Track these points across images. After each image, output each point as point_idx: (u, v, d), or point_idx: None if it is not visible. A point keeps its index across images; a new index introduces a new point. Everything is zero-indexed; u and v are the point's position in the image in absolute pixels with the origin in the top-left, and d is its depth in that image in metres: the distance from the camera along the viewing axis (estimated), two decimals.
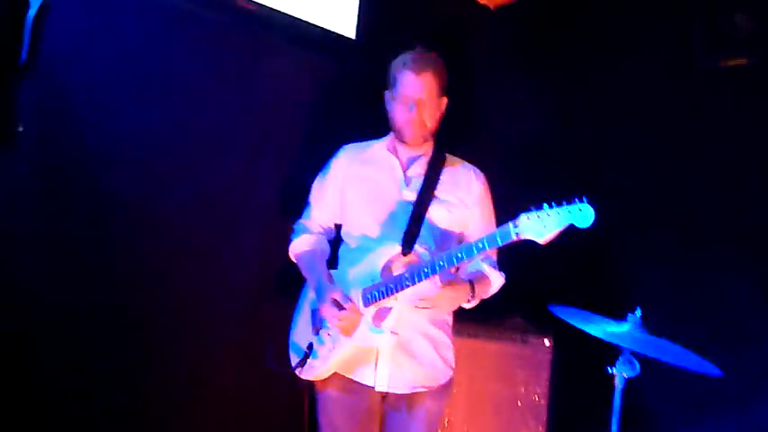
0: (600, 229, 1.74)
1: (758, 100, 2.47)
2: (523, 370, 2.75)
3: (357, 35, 2.84)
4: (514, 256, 2.18)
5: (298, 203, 2.43)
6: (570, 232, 1.77)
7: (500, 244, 1.86)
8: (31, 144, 1.74)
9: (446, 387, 2.19)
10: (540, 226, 1.76)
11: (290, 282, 2.34)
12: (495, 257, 2.20)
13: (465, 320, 2.43)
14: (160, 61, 2.33)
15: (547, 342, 2.74)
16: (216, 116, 2.47)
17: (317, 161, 2.47)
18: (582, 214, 1.72)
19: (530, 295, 2.76)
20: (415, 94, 2.10)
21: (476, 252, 1.89)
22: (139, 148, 2.27)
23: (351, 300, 2.06)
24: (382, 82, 2.73)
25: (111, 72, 2.19)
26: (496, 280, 2.16)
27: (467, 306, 2.15)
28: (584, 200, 1.72)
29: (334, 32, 2.78)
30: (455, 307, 2.14)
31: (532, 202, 1.81)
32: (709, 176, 2.56)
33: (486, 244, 1.87)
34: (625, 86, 2.87)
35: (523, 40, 3.33)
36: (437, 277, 1.98)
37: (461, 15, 3.33)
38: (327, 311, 2.06)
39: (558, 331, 2.71)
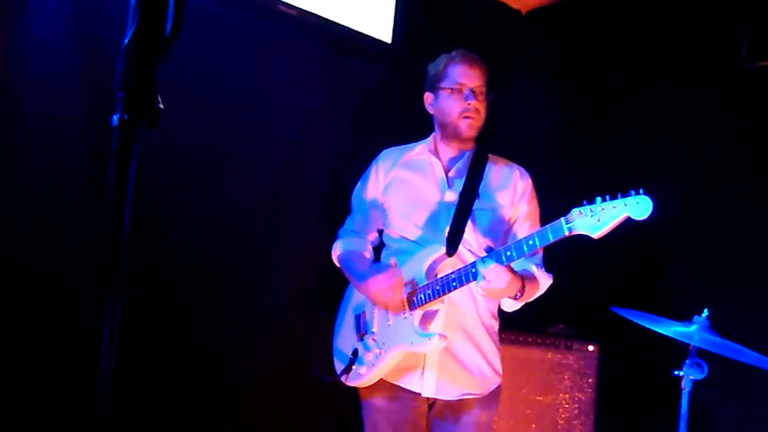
0: (644, 232, 1.70)
1: None
2: (568, 377, 2.70)
3: (393, 39, 2.84)
4: (555, 262, 2.14)
5: (338, 209, 2.41)
6: (614, 236, 1.73)
7: (551, 240, 1.80)
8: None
9: (495, 395, 2.12)
10: (594, 220, 1.71)
11: (333, 289, 2.30)
12: (541, 257, 2.12)
13: (507, 327, 2.39)
14: (202, 61, 2.31)
15: (591, 348, 2.69)
16: (258, 121, 2.46)
17: (358, 165, 2.45)
18: (639, 206, 1.66)
19: (573, 302, 2.73)
20: (471, 82, 2.08)
21: (526, 250, 1.84)
22: (187, 155, 2.25)
23: (389, 264, 2.01)
24: (419, 85, 2.72)
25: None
26: (544, 281, 2.10)
27: (510, 307, 2.10)
28: (641, 191, 1.68)
29: (370, 36, 2.77)
30: (504, 295, 2.02)
31: (570, 204, 1.77)
32: (763, 176, 2.52)
33: (537, 241, 1.82)
34: (666, 88, 2.84)
35: (555, 44, 3.32)
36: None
37: (493, 19, 3.32)
38: (371, 283, 2.00)
39: (604, 338, 2.67)
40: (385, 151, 2.28)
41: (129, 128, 0.58)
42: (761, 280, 2.46)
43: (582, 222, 1.73)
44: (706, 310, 1.82)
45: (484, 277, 1.85)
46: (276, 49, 2.53)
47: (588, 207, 1.73)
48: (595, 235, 1.72)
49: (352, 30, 2.71)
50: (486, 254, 1.96)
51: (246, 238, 2.42)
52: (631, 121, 2.96)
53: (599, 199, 1.73)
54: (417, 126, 2.79)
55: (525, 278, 2.02)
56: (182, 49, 2.28)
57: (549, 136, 3.12)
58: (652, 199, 1.65)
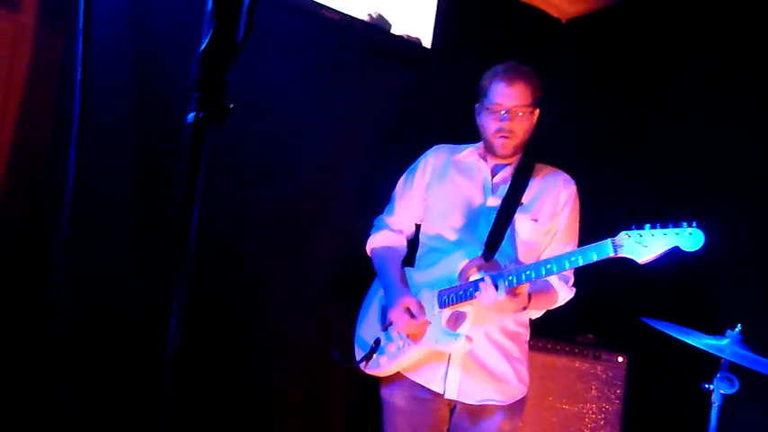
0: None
1: None
2: (595, 387, 2.70)
3: (433, 45, 2.88)
4: (585, 270, 2.14)
5: (369, 210, 2.46)
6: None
7: (595, 260, 1.79)
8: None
9: (520, 404, 2.10)
10: (641, 246, 1.71)
11: (361, 279, 2.33)
12: (570, 271, 2.07)
13: (536, 334, 2.38)
14: (248, 63, 2.38)
15: (620, 359, 2.68)
16: (300, 123, 2.53)
17: (393, 168, 2.49)
18: (691, 238, 1.66)
19: (603, 312, 2.73)
20: (507, 102, 2.05)
21: (567, 266, 1.83)
22: (229, 154, 2.32)
23: (422, 308, 2.03)
24: (458, 90, 2.76)
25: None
26: (564, 294, 2.07)
27: (533, 315, 2.12)
28: (694, 223, 1.67)
29: (411, 41, 2.82)
30: (506, 311, 2.02)
31: (626, 218, 1.76)
32: None
33: (580, 259, 1.80)
34: (707, 104, 2.82)
35: (595, 53, 3.32)
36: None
37: (532, 27, 3.34)
38: (398, 317, 2.03)
39: (633, 349, 2.66)
40: (435, 147, 2.27)
41: (202, 126, 0.64)
42: None
43: (629, 246, 1.72)
44: (739, 325, 1.82)
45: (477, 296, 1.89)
46: (318, 52, 2.59)
47: (637, 232, 1.73)
48: (641, 260, 1.72)
49: (394, 35, 2.77)
50: (522, 262, 1.97)
51: (283, 235, 2.49)
52: (670, 134, 2.95)
53: (648, 225, 1.72)
54: (454, 130, 2.83)
55: (537, 291, 2.00)
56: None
57: (583, 146, 3.12)
58: (705, 233, 1.65)
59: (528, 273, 1.86)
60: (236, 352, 2.38)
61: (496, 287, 1.85)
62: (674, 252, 1.68)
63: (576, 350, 2.73)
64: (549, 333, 2.67)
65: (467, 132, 2.72)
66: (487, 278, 1.87)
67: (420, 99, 2.89)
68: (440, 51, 2.88)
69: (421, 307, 2.03)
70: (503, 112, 2.05)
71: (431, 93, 2.91)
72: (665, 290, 2.67)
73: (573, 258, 1.82)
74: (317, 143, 2.60)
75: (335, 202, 2.66)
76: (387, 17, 2.74)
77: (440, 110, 2.92)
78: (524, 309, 1.98)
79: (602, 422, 2.67)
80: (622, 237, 1.75)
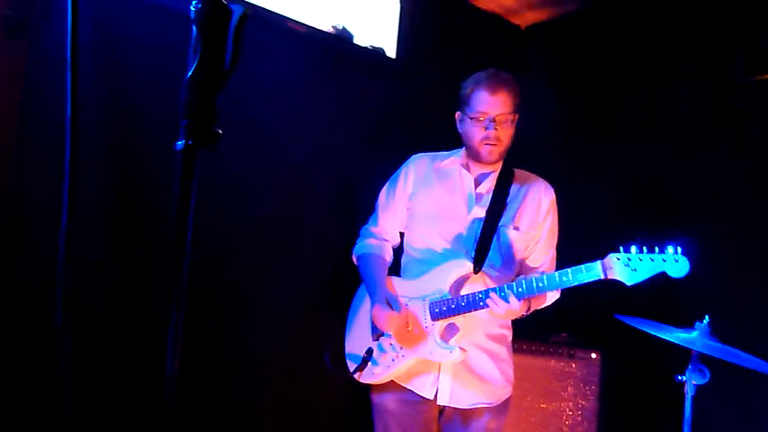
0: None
1: None
2: (571, 385, 2.75)
3: (398, 54, 2.91)
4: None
5: (344, 217, 2.46)
6: None
7: (585, 282, 1.86)
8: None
9: (506, 404, 2.17)
10: (630, 270, 1.79)
11: (345, 287, 2.36)
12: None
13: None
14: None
15: (594, 356, 2.74)
16: (271, 134, 2.53)
17: (366, 174, 2.53)
18: (677, 265, 1.75)
19: (576, 311, 2.78)
20: (492, 111, 2.07)
21: (557, 287, 1.90)
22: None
23: (402, 305, 2.07)
24: (424, 98, 2.80)
25: None
26: (552, 294, 2.14)
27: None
28: (680, 251, 1.76)
29: (376, 51, 2.85)
30: (508, 318, 2.13)
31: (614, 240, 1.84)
32: (758, 188, 2.59)
33: (571, 278, 1.87)
34: (664, 103, 2.92)
35: (554, 59, 3.40)
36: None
37: (495, 34, 3.40)
38: (378, 312, 2.06)
39: (606, 346, 2.73)
40: (415, 156, 2.29)
41: (192, 152, 0.64)
42: (759, 286, 2.52)
43: (618, 269, 1.80)
44: (707, 317, 1.89)
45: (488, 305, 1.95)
46: (285, 65, 2.59)
47: (625, 255, 1.81)
48: (629, 283, 1.80)
49: (359, 45, 2.79)
50: (515, 276, 2.04)
51: (261, 242, 2.50)
52: (630, 134, 3.04)
53: (635, 248, 1.80)
54: (422, 136, 2.87)
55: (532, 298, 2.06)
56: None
57: (547, 150, 3.19)
58: (689, 261, 1.75)
59: (520, 289, 1.93)
60: (223, 362, 2.37)
61: (505, 298, 1.92)
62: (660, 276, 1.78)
63: (551, 350, 2.78)
64: (523, 334, 2.71)
65: (435, 138, 2.76)
66: (500, 290, 1.95)
67: (387, 107, 2.92)
68: (404, 60, 2.92)
69: (399, 304, 2.07)
70: (487, 121, 2.07)
71: (398, 101, 2.95)
72: (634, 287, 2.75)
73: (564, 278, 1.89)
74: (287, 155, 2.59)
75: (306, 214, 2.66)
76: (351, 28, 2.77)
77: (407, 117, 2.95)
78: (528, 311, 2.06)
79: (579, 419, 2.72)
80: (612, 259, 1.82)
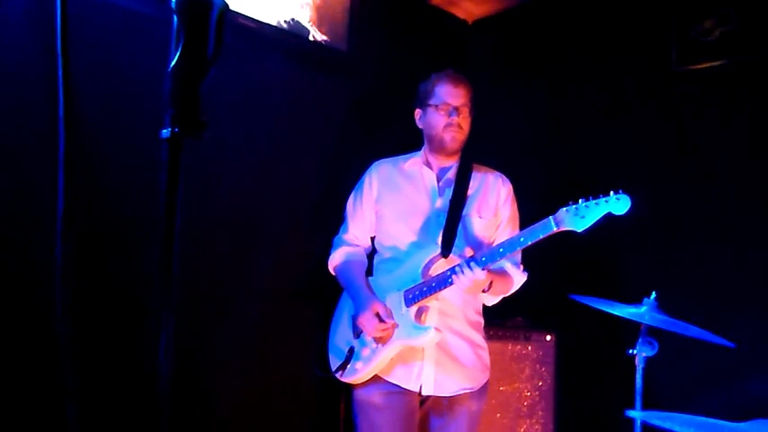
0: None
1: (731, 98, 2.69)
2: (528, 366, 2.85)
3: (349, 49, 2.93)
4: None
5: (306, 216, 2.46)
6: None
7: (541, 237, 1.96)
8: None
9: (485, 387, 2.28)
10: (579, 218, 1.89)
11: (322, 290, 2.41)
12: (519, 257, 2.28)
13: None
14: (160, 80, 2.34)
15: (549, 338, 2.85)
16: (228, 133, 2.50)
17: (328, 172, 2.55)
18: (620, 203, 1.86)
19: (529, 294, 2.88)
20: (455, 101, 2.24)
21: (517, 247, 2.00)
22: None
23: (389, 311, 2.14)
24: (376, 92, 2.83)
25: None
26: (518, 278, 2.25)
27: (489, 302, 2.27)
28: (620, 191, 1.87)
29: (327, 46, 2.86)
30: (473, 291, 2.15)
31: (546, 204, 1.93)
32: (695, 171, 2.75)
33: (527, 238, 1.98)
34: (605, 92, 3.05)
35: (500, 52, 3.50)
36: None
37: (442, 29, 3.47)
38: (367, 322, 2.12)
39: (560, 327, 2.84)
40: (376, 163, 2.40)
41: (178, 141, 0.65)
42: (700, 261, 2.68)
43: (568, 220, 1.91)
44: (654, 293, 2.00)
45: (453, 281, 2.03)
46: (235, 61, 2.57)
47: (573, 206, 1.91)
48: (580, 230, 1.90)
49: (311, 41, 2.79)
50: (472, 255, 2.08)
51: (224, 245, 2.49)
52: (575, 122, 3.16)
53: (582, 199, 1.91)
54: (374, 130, 2.90)
55: (496, 273, 2.16)
56: (147, 63, 2.33)
57: (498, 141, 3.28)
58: (630, 197, 1.85)
59: (483, 258, 2.01)
60: (201, 363, 2.34)
61: (470, 268, 2.00)
62: (607, 217, 1.88)
63: (508, 334, 2.87)
64: None
65: (388, 132, 2.80)
66: (463, 263, 2.02)
67: (341, 102, 2.94)
68: (356, 55, 2.94)
69: (388, 310, 2.14)
70: (451, 109, 2.22)
71: (351, 95, 2.97)
72: (585, 266, 2.88)
73: (521, 239, 1.99)
74: (244, 153, 2.58)
75: (266, 214, 2.65)
76: (303, 23, 2.77)
77: (361, 111, 2.98)
78: (488, 289, 2.12)
79: (537, 398, 2.82)
80: (561, 212, 1.93)
